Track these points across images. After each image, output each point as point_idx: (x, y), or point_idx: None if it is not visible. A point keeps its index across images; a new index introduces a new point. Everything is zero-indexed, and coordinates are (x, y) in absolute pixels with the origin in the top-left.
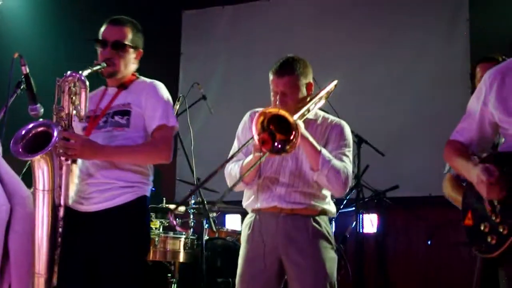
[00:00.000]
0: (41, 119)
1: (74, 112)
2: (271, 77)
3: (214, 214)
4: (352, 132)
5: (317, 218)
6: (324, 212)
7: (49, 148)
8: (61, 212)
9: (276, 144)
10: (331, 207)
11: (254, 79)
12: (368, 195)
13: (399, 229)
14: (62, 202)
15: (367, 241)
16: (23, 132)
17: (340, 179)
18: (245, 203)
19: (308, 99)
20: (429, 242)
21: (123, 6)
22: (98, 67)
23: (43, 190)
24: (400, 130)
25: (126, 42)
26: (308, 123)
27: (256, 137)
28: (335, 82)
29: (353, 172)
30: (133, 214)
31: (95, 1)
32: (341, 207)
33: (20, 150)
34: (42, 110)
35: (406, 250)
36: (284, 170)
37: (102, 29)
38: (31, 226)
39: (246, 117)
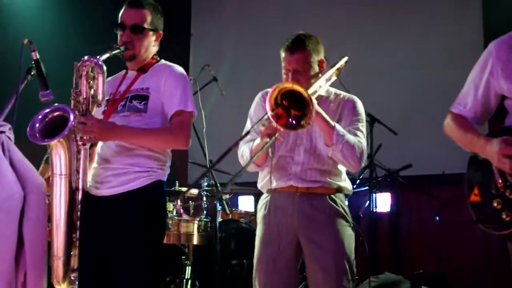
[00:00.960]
0: (56, 104)
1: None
2: (282, 54)
3: (227, 196)
4: (365, 111)
5: (333, 196)
6: (339, 189)
7: (65, 132)
8: (80, 196)
9: (290, 120)
10: (346, 184)
11: (265, 59)
12: (381, 174)
13: (413, 208)
14: (80, 186)
15: (380, 220)
16: (40, 117)
17: (355, 154)
18: (260, 184)
19: (320, 75)
20: (437, 218)
21: None
22: (117, 51)
23: (60, 175)
24: (412, 109)
25: (145, 26)
26: (320, 99)
27: (270, 113)
28: (345, 58)
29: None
30: (148, 198)
31: None
32: (355, 187)
33: (37, 135)
34: (52, 96)
35: (419, 228)
36: (298, 148)
37: (121, 12)
38: (48, 211)
39: (257, 97)
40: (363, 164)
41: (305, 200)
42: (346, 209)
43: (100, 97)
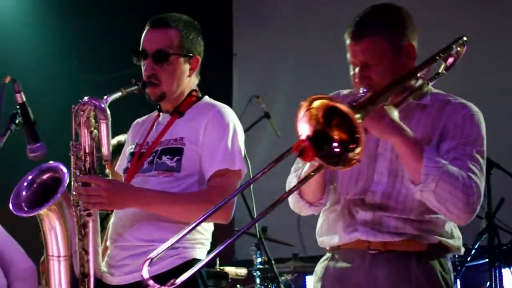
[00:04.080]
0: (51, 162)
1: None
2: (347, 41)
3: (289, 277)
4: None
5: (426, 256)
6: (439, 247)
7: (58, 196)
8: (91, 284)
9: (332, 147)
10: (453, 240)
11: (334, 83)
12: (507, 241)
13: None
14: (91, 272)
15: None
16: (26, 183)
17: (458, 195)
18: (319, 239)
19: (411, 70)
20: None
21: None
22: (133, 88)
23: (58, 257)
24: None
25: (171, 51)
26: (408, 109)
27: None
28: (464, 38)
29: (483, 208)
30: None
31: None
32: (469, 259)
33: (23, 204)
34: (44, 150)
35: None
36: (375, 188)
37: (143, 35)
38: None
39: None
40: (474, 214)
41: (379, 264)
42: (450, 280)
43: (104, 150)
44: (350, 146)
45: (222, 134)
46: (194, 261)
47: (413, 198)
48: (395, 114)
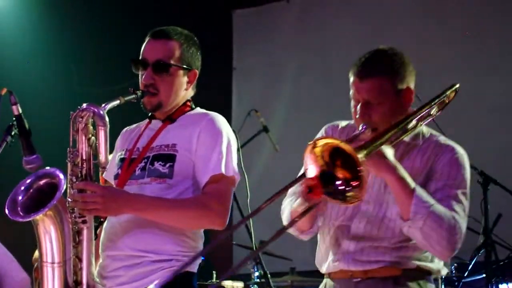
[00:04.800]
0: (48, 168)
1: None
2: (351, 78)
3: None
4: (474, 168)
5: (403, 279)
6: (418, 270)
7: (54, 202)
8: None
9: (337, 185)
10: (432, 264)
11: (334, 100)
12: (504, 256)
13: None
14: (84, 280)
15: None
16: (23, 187)
17: (442, 234)
18: (316, 260)
19: (410, 113)
20: None
21: (155, 12)
22: (131, 97)
23: (52, 263)
24: None
25: (172, 62)
26: (399, 146)
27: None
28: (456, 85)
29: (480, 224)
30: None
31: (116, 5)
32: (466, 274)
33: (19, 209)
34: (40, 162)
35: None
36: (361, 216)
37: (143, 45)
38: None
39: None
40: (455, 251)
41: None
42: None
43: (102, 158)
44: (353, 183)
45: (215, 141)
46: (189, 275)
47: (395, 226)
48: (391, 153)
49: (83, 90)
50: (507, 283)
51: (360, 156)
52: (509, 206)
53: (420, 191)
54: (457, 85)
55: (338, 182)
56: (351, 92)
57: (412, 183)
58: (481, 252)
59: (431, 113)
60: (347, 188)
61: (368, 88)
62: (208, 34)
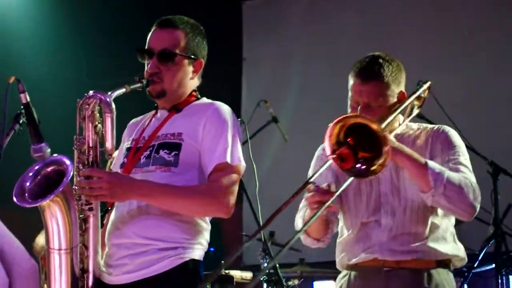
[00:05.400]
0: (55, 155)
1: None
2: (351, 81)
3: (295, 282)
4: (484, 158)
5: (433, 272)
6: (443, 262)
7: (61, 188)
8: (89, 282)
9: (358, 165)
10: (456, 249)
11: (342, 91)
12: None
13: None
14: (90, 268)
15: None
16: (31, 174)
17: (464, 194)
18: (337, 259)
19: (396, 108)
20: None
21: (166, 4)
22: (137, 85)
23: (59, 250)
24: None
25: (177, 51)
26: (401, 138)
27: (331, 156)
28: (427, 83)
29: (490, 214)
30: (177, 287)
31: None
32: (476, 265)
33: (26, 195)
34: (48, 150)
35: None
36: (384, 208)
37: (149, 35)
38: None
39: (318, 151)
40: (478, 207)
41: (392, 281)
42: None
43: (108, 145)
44: (377, 159)
45: (221, 130)
46: (195, 263)
47: (418, 208)
48: (393, 138)
49: (93, 82)
50: None
51: (377, 128)
52: None
53: (431, 163)
54: (429, 83)
55: (363, 155)
56: (350, 93)
57: (421, 158)
58: (491, 242)
59: (413, 112)
60: (373, 162)
61: (369, 90)
62: (218, 25)
